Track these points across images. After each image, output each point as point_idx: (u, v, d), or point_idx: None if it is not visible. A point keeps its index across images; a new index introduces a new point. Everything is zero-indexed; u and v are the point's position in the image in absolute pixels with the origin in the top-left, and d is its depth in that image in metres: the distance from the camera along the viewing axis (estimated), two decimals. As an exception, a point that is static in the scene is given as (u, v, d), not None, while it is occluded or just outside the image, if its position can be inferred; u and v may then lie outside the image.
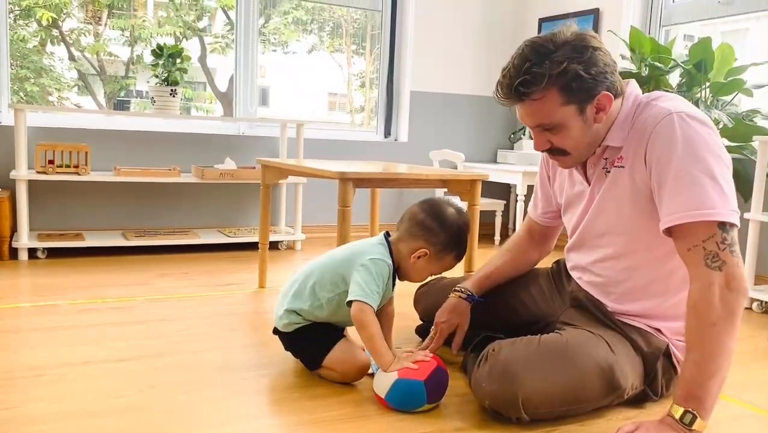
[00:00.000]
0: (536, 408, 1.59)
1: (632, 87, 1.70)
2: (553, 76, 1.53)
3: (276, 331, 1.99)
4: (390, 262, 1.84)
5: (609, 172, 1.70)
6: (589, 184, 1.77)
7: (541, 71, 1.53)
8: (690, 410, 1.45)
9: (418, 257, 1.85)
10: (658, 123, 1.56)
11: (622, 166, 1.66)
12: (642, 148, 1.60)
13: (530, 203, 2.13)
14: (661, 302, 1.73)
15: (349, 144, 4.70)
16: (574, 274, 1.93)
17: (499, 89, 1.62)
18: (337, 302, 1.85)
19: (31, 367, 1.93)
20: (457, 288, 2.05)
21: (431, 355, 1.75)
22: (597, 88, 1.57)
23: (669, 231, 1.54)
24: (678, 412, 1.47)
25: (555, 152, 1.69)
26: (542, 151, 1.71)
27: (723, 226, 1.47)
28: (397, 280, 1.93)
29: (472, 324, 2.14)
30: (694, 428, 1.45)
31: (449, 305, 2.02)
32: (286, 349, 2.00)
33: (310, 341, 1.91)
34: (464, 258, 2.57)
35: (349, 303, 1.78)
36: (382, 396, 1.71)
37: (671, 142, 1.53)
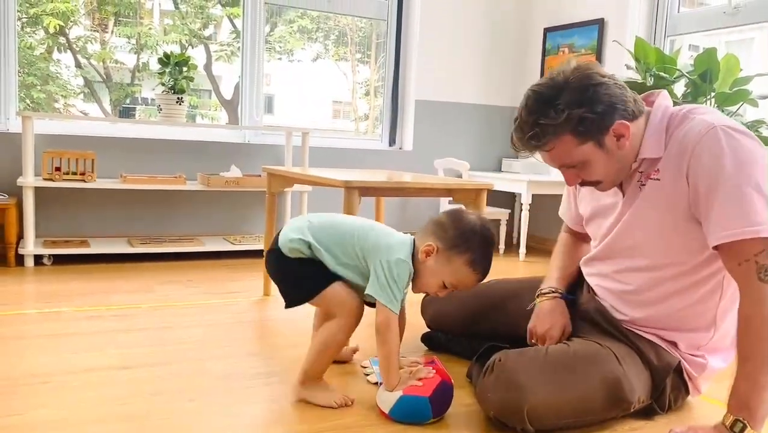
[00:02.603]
0: (541, 419, 1.59)
1: (662, 98, 1.68)
2: (560, 124, 1.54)
3: (271, 252, 1.86)
4: (411, 265, 1.76)
5: (644, 185, 1.67)
6: (623, 196, 1.74)
7: (548, 122, 1.55)
8: (741, 419, 1.47)
9: (427, 254, 1.75)
10: (702, 137, 1.54)
11: (658, 179, 1.63)
12: (684, 162, 1.57)
13: (562, 209, 2.10)
14: (681, 310, 1.71)
15: (353, 152, 4.70)
16: (592, 281, 1.89)
17: (515, 142, 1.65)
18: (352, 268, 1.80)
19: (35, 373, 1.93)
20: (543, 290, 1.94)
21: (435, 370, 1.74)
22: (607, 122, 1.56)
23: (716, 247, 1.54)
24: (729, 420, 1.49)
25: (589, 184, 1.69)
26: (575, 185, 1.72)
27: None
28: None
29: (478, 334, 2.14)
30: None
31: (546, 309, 1.89)
32: (271, 273, 1.90)
33: (309, 274, 1.81)
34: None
35: (367, 297, 1.75)
36: (386, 411, 1.70)
37: (718, 158, 1.51)
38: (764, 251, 1.47)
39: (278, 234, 1.87)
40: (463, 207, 1.84)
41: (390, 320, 1.71)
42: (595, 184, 1.68)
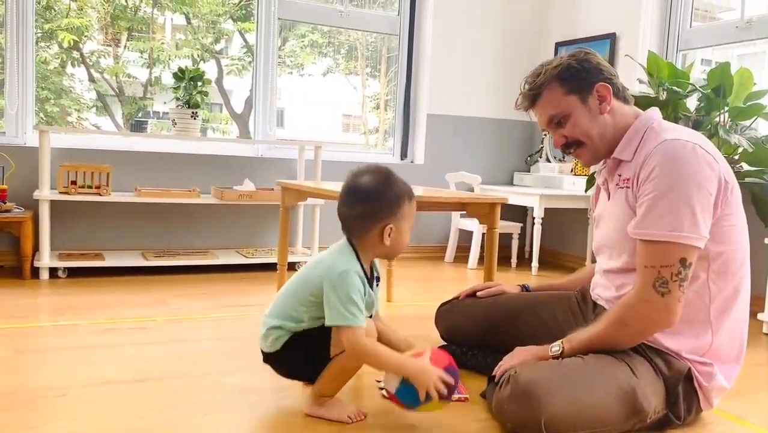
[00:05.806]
0: (559, 430, 1.58)
1: (652, 111, 1.84)
2: (549, 71, 1.82)
3: (266, 358, 1.86)
4: (358, 267, 1.74)
5: (621, 189, 1.80)
6: (608, 198, 1.90)
7: (544, 71, 1.84)
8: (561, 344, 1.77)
9: (390, 234, 1.77)
10: (654, 148, 1.68)
11: (629, 187, 1.77)
12: (638, 171, 1.72)
13: None
14: None
15: (365, 166, 4.71)
16: (594, 293, 1.99)
17: (518, 99, 1.92)
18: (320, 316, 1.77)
19: (51, 387, 1.94)
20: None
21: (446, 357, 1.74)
22: (591, 78, 1.80)
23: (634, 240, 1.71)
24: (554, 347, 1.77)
25: (572, 145, 1.85)
26: (561, 148, 1.88)
27: (684, 261, 1.62)
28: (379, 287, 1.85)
29: (492, 347, 2.14)
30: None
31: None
32: (281, 372, 1.88)
33: (308, 349, 1.78)
34: (483, 279, 2.59)
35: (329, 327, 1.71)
36: (393, 392, 1.68)
37: (660, 167, 1.64)
38: (671, 266, 1.61)
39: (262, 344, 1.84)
40: (347, 185, 1.84)
41: (354, 337, 1.67)
42: (579, 145, 1.84)
